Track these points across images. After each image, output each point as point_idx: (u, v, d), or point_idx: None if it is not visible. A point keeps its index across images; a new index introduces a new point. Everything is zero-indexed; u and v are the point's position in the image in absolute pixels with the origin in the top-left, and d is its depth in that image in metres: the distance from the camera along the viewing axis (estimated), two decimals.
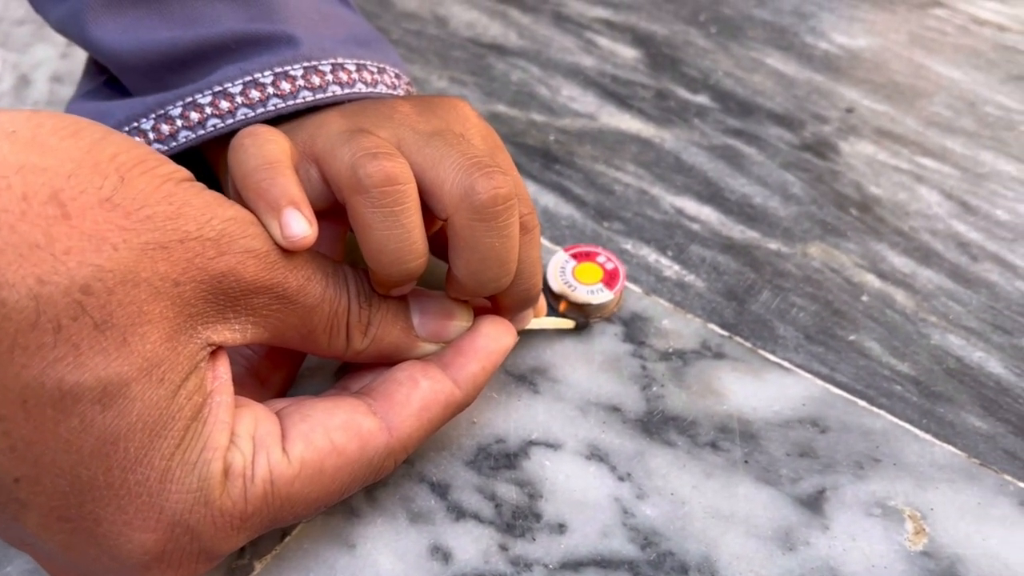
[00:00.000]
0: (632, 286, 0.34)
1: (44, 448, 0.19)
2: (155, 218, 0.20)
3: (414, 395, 0.24)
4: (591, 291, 0.33)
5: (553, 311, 0.33)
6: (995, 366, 0.32)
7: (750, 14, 0.49)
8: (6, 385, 0.18)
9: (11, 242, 0.18)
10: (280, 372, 0.27)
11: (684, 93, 0.44)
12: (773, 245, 0.36)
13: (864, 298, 0.34)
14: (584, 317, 0.33)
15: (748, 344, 0.33)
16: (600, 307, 0.33)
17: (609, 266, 0.33)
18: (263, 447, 0.22)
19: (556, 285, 0.33)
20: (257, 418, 0.23)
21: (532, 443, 0.29)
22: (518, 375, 0.31)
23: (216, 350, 0.22)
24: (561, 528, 0.27)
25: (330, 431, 0.23)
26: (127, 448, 0.19)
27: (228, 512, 0.21)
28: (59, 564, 0.22)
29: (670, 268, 0.35)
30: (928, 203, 0.39)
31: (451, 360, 0.26)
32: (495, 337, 0.27)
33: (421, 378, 0.25)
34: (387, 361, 0.26)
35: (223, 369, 0.22)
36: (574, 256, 0.34)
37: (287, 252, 0.23)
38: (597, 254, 0.34)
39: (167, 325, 0.20)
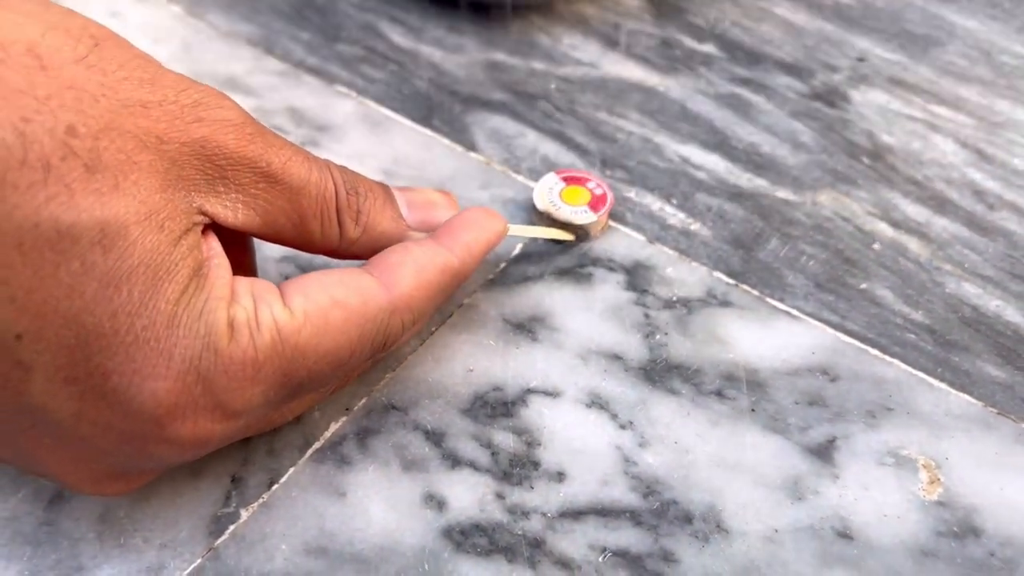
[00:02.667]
0: (635, 234, 0.33)
1: (46, 295, 0.18)
2: (131, 80, 0.20)
3: (407, 258, 0.25)
4: (575, 212, 0.32)
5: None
6: (1013, 314, 0.31)
7: None
8: (1, 229, 0.18)
9: None
10: None
11: (690, 42, 0.42)
12: (782, 193, 0.35)
13: (876, 246, 0.33)
14: (584, 233, 0.32)
15: (755, 292, 0.31)
16: (584, 228, 0.32)
17: (598, 191, 0.33)
18: (264, 301, 0.22)
19: (541, 203, 0.32)
20: (252, 281, 0.23)
21: (530, 391, 0.28)
22: (516, 323, 0.30)
23: (207, 228, 0.22)
24: (560, 476, 0.26)
25: (327, 287, 0.23)
26: (131, 291, 0.19)
27: (239, 360, 0.21)
28: (70, 451, 0.21)
29: (675, 216, 0.34)
30: (943, 152, 0.37)
31: (442, 233, 0.27)
32: (484, 216, 0.27)
33: (414, 246, 0.25)
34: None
35: (216, 243, 0.22)
36: (564, 179, 0.33)
37: (261, 128, 0.23)
38: (588, 180, 0.33)
39: (159, 178, 0.20)
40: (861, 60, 0.41)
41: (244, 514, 0.25)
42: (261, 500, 0.25)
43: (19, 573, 0.24)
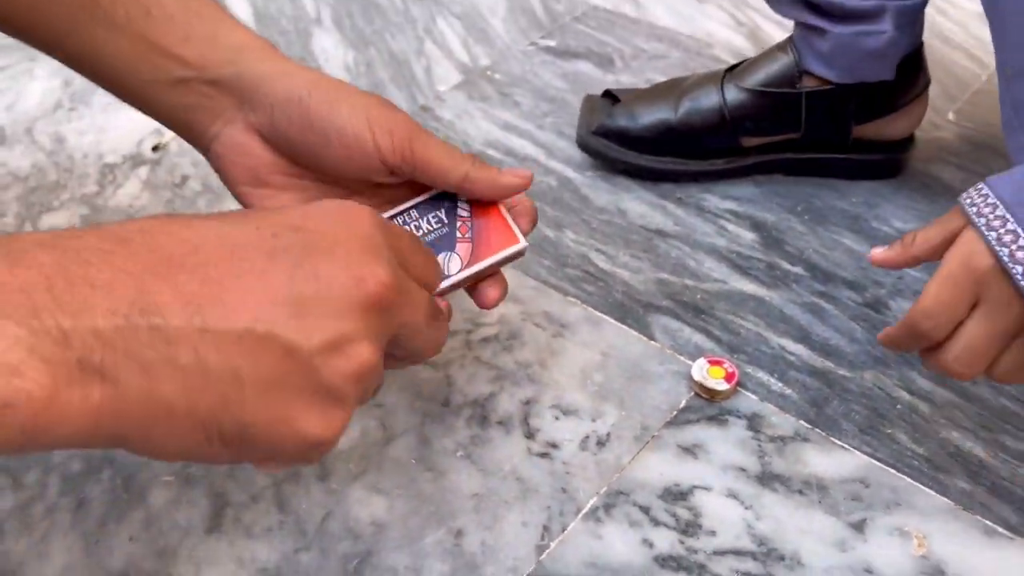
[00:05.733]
0: (752, 396, 0.57)
1: None
2: None
3: None
4: (717, 383, 0.56)
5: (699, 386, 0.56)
6: (980, 451, 0.53)
7: (833, 205, 0.71)
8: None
9: None
10: None
11: (786, 265, 0.66)
12: (841, 371, 0.58)
13: (898, 407, 0.56)
14: (707, 396, 0.56)
15: (823, 433, 0.54)
16: (721, 392, 0.56)
17: (730, 369, 0.57)
18: None
19: (697, 376, 0.56)
20: None
21: (694, 487, 0.52)
22: (684, 448, 0.54)
23: None
24: (712, 533, 0.50)
25: None
26: None
27: None
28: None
29: (776, 384, 0.57)
30: None
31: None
32: None
33: None
34: None
35: None
36: (709, 362, 0.57)
37: None
38: (724, 362, 0.57)
39: None
40: (900, 279, 0.64)
41: (552, 545, 0.50)
42: (559, 539, 0.50)
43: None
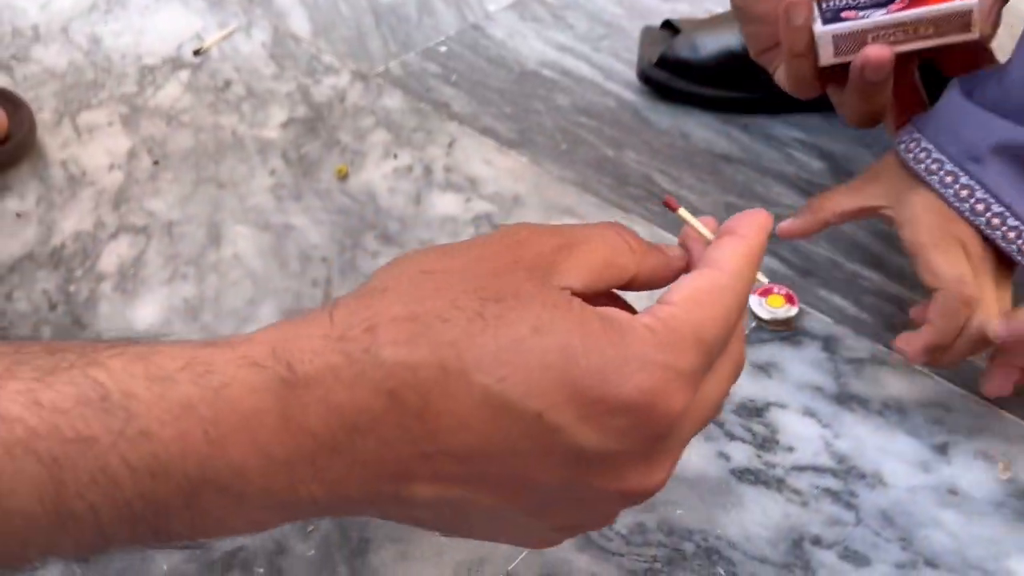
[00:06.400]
0: (826, 318, 0.55)
1: None
2: None
3: None
4: (782, 310, 0.54)
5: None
6: None
7: None
8: None
9: None
10: None
11: None
12: (917, 297, 0.56)
13: None
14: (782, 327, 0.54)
15: (900, 356, 0.53)
16: (792, 317, 0.54)
17: (783, 292, 0.54)
18: None
19: (765, 316, 0.54)
20: None
21: (769, 404, 0.50)
22: (758, 366, 0.52)
23: None
24: (790, 449, 0.48)
25: None
26: None
27: None
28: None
29: (850, 308, 0.56)
30: None
31: None
32: None
33: None
34: None
35: None
36: (760, 293, 0.54)
37: None
38: (774, 288, 0.55)
39: None
40: None
41: None
42: None
43: None
